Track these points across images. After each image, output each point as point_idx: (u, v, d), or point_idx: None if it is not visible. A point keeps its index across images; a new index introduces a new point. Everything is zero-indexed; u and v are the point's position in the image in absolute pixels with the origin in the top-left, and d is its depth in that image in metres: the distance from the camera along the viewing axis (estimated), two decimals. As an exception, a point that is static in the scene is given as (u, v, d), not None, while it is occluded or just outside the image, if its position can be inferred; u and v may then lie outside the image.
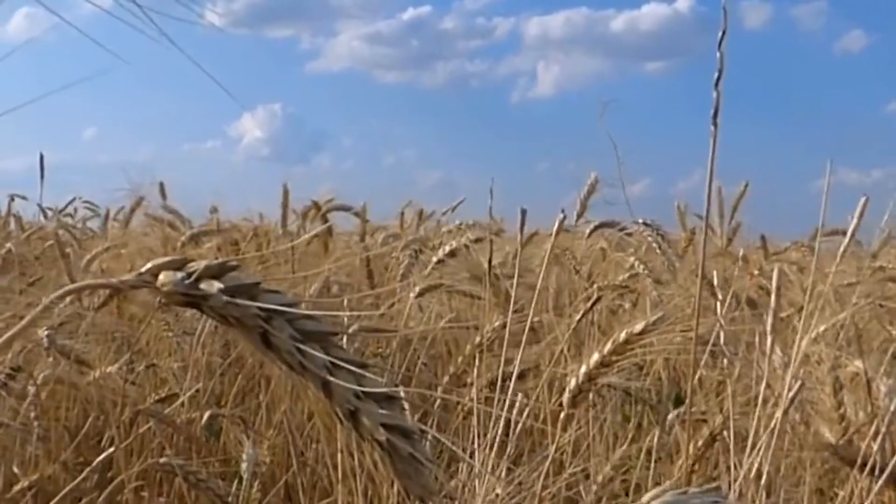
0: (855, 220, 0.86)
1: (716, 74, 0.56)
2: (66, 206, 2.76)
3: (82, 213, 2.95)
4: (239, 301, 0.33)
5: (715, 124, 0.57)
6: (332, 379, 0.33)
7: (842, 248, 0.90)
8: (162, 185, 2.15)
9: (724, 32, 0.55)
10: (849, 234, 0.90)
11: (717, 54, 0.55)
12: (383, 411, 0.34)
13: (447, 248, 1.28)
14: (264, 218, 2.27)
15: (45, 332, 1.02)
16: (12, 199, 2.57)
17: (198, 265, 0.34)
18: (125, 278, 0.33)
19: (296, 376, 0.34)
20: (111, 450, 0.90)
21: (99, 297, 1.25)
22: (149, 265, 0.34)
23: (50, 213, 2.59)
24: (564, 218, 0.87)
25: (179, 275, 0.33)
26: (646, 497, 0.45)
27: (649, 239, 1.28)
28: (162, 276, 0.33)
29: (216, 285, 0.33)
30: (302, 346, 0.33)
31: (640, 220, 1.26)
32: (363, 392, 0.34)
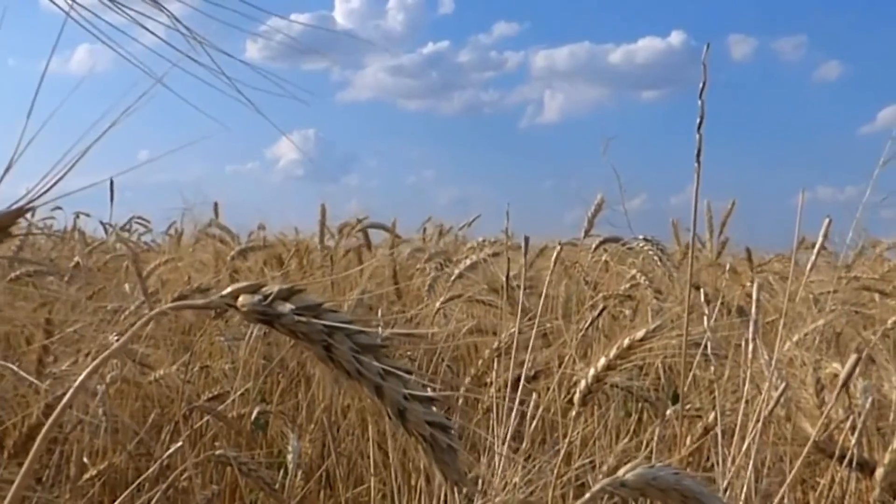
0: (820, 239, 0.88)
1: (697, 120, 0.58)
2: (127, 223, 2.80)
3: (135, 228, 2.99)
4: (307, 319, 0.36)
5: (698, 162, 0.60)
6: (384, 384, 0.36)
7: (810, 264, 0.92)
8: (216, 205, 2.18)
9: (704, 84, 0.57)
10: (815, 251, 0.92)
11: (699, 102, 0.58)
12: (426, 410, 0.37)
13: (468, 262, 1.30)
14: (300, 232, 2.30)
15: (115, 337, 1.05)
16: (77, 217, 2.62)
17: (271, 289, 0.36)
18: (211, 300, 0.36)
19: (352, 381, 0.37)
20: (179, 444, 0.92)
21: (161, 306, 1.27)
22: (229, 289, 0.37)
23: (109, 229, 2.63)
24: (561, 248, 0.90)
25: (257, 297, 0.36)
26: (621, 470, 0.47)
27: (650, 253, 1.29)
28: (241, 299, 0.36)
29: (287, 306, 0.36)
30: (359, 356, 0.36)
31: (642, 237, 1.28)
32: (410, 395, 0.36)
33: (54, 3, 0.41)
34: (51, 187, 0.35)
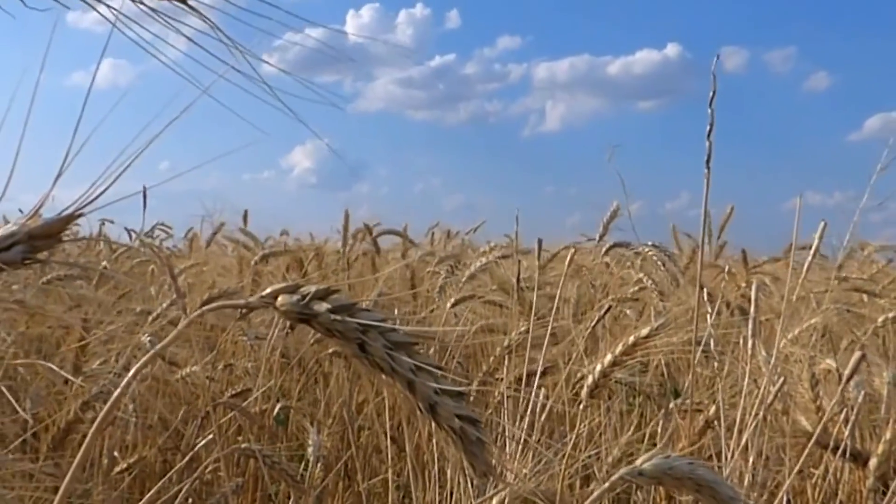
0: (816, 242, 0.88)
1: (707, 128, 0.58)
2: (151, 230, 2.81)
3: (157, 234, 2.98)
4: (342, 318, 0.36)
5: (708, 168, 0.59)
6: (416, 379, 0.36)
7: (806, 265, 0.92)
8: (245, 213, 2.18)
9: (714, 93, 0.57)
10: (812, 252, 0.92)
11: (709, 111, 0.58)
12: (456, 405, 0.37)
13: (478, 264, 1.30)
14: (315, 238, 2.30)
15: (147, 338, 1.05)
16: (103, 224, 2.62)
17: (308, 290, 0.36)
18: (251, 300, 0.36)
19: (385, 377, 0.37)
20: (206, 437, 0.92)
21: (189, 309, 1.28)
22: (268, 290, 0.37)
23: (132, 236, 2.63)
24: (576, 251, 0.90)
25: (295, 297, 0.36)
26: (639, 460, 0.47)
27: (655, 258, 1.29)
28: (280, 299, 0.36)
29: (324, 305, 0.36)
30: (392, 353, 0.36)
31: (650, 242, 1.27)
32: (441, 389, 0.36)
33: (100, 13, 0.41)
34: (99, 195, 0.35)
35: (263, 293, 0.36)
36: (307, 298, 0.36)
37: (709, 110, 0.57)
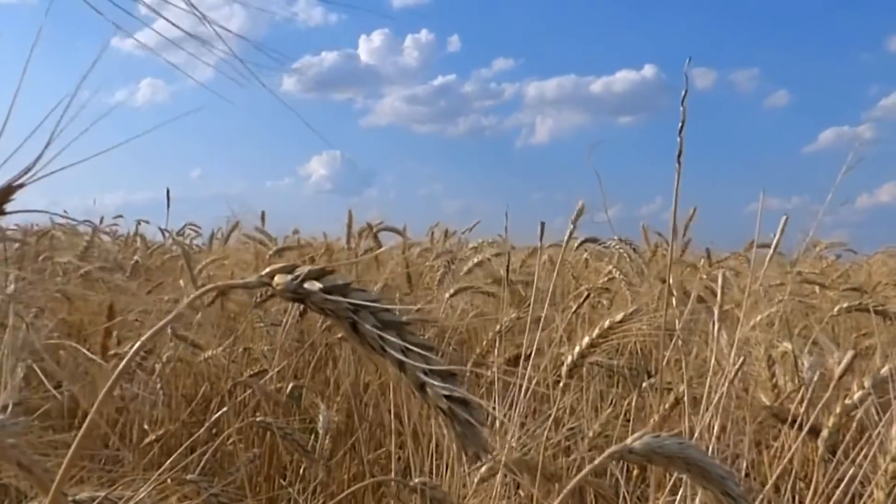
0: (778, 234, 0.86)
1: (679, 125, 0.56)
2: (182, 229, 2.78)
3: (188, 234, 2.96)
4: (334, 297, 0.33)
5: (679, 162, 0.57)
6: (406, 359, 0.33)
7: (768, 258, 0.89)
8: (263, 214, 2.17)
9: (686, 92, 0.55)
10: (773, 246, 0.89)
11: (681, 108, 0.56)
12: (445, 385, 0.33)
13: (475, 260, 1.28)
14: (327, 236, 2.28)
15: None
16: (139, 224, 2.59)
17: (303, 270, 0.33)
18: (250, 280, 0.33)
19: (376, 356, 0.34)
20: (223, 409, 0.90)
21: (209, 297, 1.25)
22: (266, 270, 0.34)
23: (166, 234, 2.60)
24: (567, 242, 0.87)
25: (290, 277, 0.33)
26: (630, 439, 0.44)
27: (622, 252, 1.26)
28: (277, 278, 0.33)
29: (317, 285, 0.33)
30: (382, 333, 0.33)
31: (617, 238, 1.25)
32: (430, 369, 0.33)
33: (137, 40, 0.39)
34: (34, 162, 0.33)
35: (261, 273, 0.34)
36: (301, 278, 0.33)
37: (681, 108, 0.55)
